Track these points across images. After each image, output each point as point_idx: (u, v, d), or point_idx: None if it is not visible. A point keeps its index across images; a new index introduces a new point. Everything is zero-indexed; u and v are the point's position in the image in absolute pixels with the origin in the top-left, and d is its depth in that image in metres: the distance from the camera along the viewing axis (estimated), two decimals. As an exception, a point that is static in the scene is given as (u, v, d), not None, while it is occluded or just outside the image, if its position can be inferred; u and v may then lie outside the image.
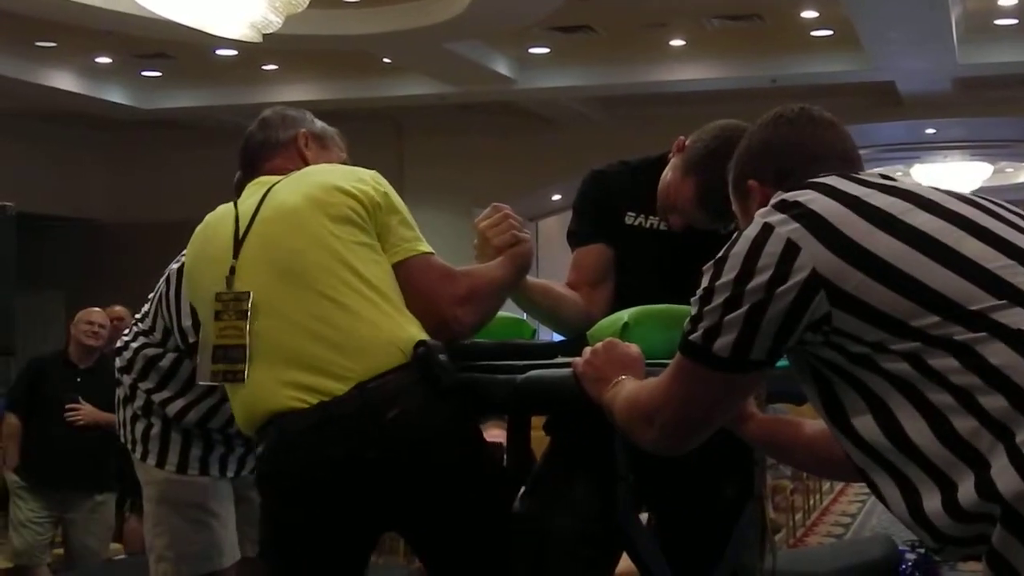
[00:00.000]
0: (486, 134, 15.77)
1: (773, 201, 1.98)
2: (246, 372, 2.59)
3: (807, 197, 1.94)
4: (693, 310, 2.00)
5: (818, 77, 13.22)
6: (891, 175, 2.06)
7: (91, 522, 7.03)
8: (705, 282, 1.98)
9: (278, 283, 2.60)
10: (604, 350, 2.38)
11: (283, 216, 2.67)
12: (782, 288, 1.88)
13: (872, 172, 2.06)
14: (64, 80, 13.30)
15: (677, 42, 12.77)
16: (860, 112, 14.90)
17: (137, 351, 3.87)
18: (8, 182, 13.12)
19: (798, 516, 9.96)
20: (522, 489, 2.82)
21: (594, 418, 2.34)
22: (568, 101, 14.71)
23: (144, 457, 3.91)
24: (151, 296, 3.85)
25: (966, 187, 19.41)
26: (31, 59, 12.74)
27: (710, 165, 2.82)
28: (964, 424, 1.75)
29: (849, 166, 2.09)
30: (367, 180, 2.72)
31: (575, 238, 3.17)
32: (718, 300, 1.94)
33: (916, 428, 1.79)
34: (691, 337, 1.99)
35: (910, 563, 5.59)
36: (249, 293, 2.61)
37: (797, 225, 1.89)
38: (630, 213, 3.09)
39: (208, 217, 2.89)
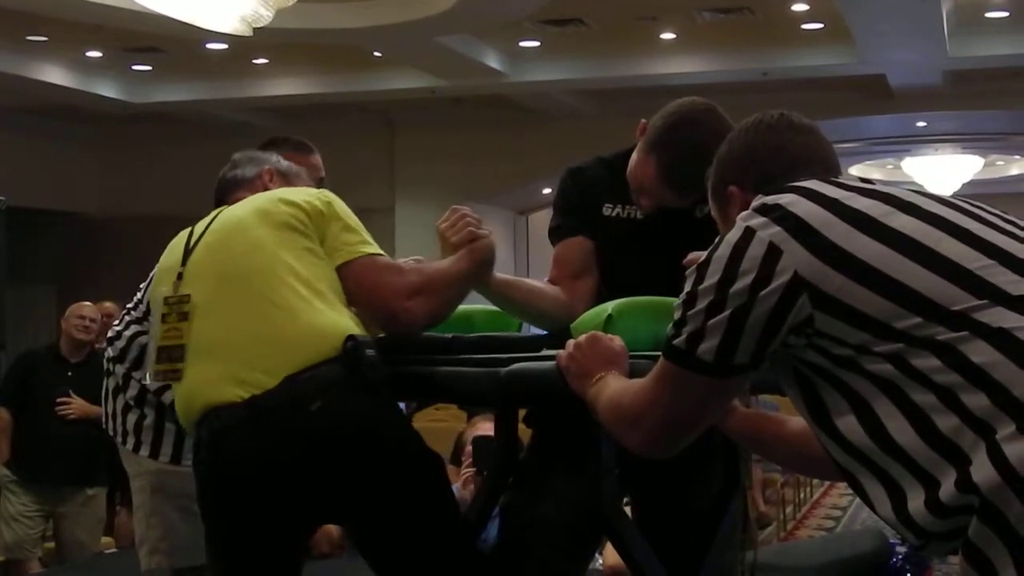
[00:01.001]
0: (477, 128, 15.77)
1: (754, 204, 1.99)
2: (183, 371, 2.69)
3: (787, 200, 1.94)
4: (676, 314, 2.00)
5: (809, 70, 13.24)
6: (870, 179, 2.07)
7: (82, 516, 7.03)
8: (688, 286, 1.99)
9: (219, 286, 2.71)
10: (587, 344, 2.39)
11: (229, 226, 2.80)
12: (765, 291, 1.88)
13: (851, 176, 2.07)
14: (55, 74, 13.28)
15: (668, 35, 12.77)
16: (851, 105, 14.93)
17: (131, 339, 3.88)
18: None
19: (789, 509, 9.99)
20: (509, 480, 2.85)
21: (578, 410, 2.34)
22: (559, 95, 14.71)
23: (136, 448, 3.89)
24: (143, 285, 3.85)
25: (957, 180, 19.45)
26: (22, 53, 12.72)
27: (669, 141, 2.86)
28: (946, 423, 1.75)
29: (830, 172, 2.10)
30: (312, 193, 2.83)
31: (555, 233, 3.18)
32: (701, 304, 1.94)
33: (899, 428, 1.80)
34: (675, 342, 1.99)
35: (900, 556, 5.59)
36: (190, 296, 2.72)
37: (778, 228, 1.90)
38: (608, 205, 3.10)
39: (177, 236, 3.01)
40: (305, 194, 2.82)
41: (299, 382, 2.54)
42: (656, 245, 2.89)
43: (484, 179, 16.02)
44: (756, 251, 1.90)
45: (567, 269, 3.10)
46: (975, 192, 20.19)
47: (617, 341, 2.41)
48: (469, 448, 4.84)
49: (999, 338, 1.76)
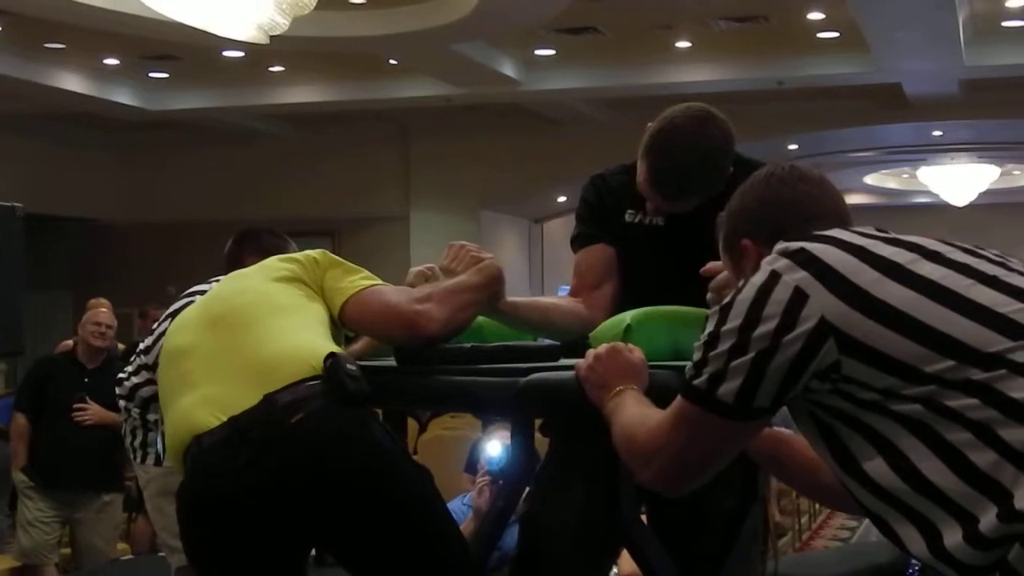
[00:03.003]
0: (492, 135, 15.78)
1: (777, 248, 1.99)
2: (168, 413, 2.71)
3: (812, 245, 1.95)
4: (696, 355, 1.99)
5: (824, 79, 13.22)
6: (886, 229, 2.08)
7: (98, 522, 7.06)
8: (710, 327, 1.98)
9: (207, 329, 2.73)
10: (607, 356, 2.38)
11: (231, 281, 2.93)
12: (789, 336, 1.88)
13: (868, 228, 2.06)
14: (72, 81, 13.32)
15: (683, 44, 12.76)
16: (867, 114, 14.91)
17: (134, 390, 4.26)
18: (16, 182, 13.17)
19: (804, 519, 9.96)
20: (526, 490, 2.85)
21: (596, 420, 2.34)
22: (574, 103, 14.71)
23: (143, 460, 4.17)
24: (155, 328, 4.10)
25: (973, 189, 19.42)
26: (39, 60, 12.76)
27: (656, 146, 2.89)
28: (983, 458, 1.76)
29: (843, 223, 2.10)
30: (309, 252, 2.90)
31: (577, 241, 3.19)
32: (723, 346, 1.94)
33: (932, 467, 1.80)
34: (695, 382, 1.98)
35: (917, 568, 5.59)
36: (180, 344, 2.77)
37: (804, 273, 1.90)
38: (630, 211, 3.11)
39: None
40: (303, 252, 2.90)
41: (278, 399, 2.52)
42: (677, 252, 2.90)
43: (499, 187, 16.03)
44: (781, 295, 1.90)
45: (588, 278, 3.11)
46: (992, 201, 20.18)
47: (637, 353, 2.40)
48: (484, 457, 4.85)
49: None
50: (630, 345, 2.43)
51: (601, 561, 2.87)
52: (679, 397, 2.02)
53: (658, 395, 2.31)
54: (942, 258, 1.93)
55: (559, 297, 3.18)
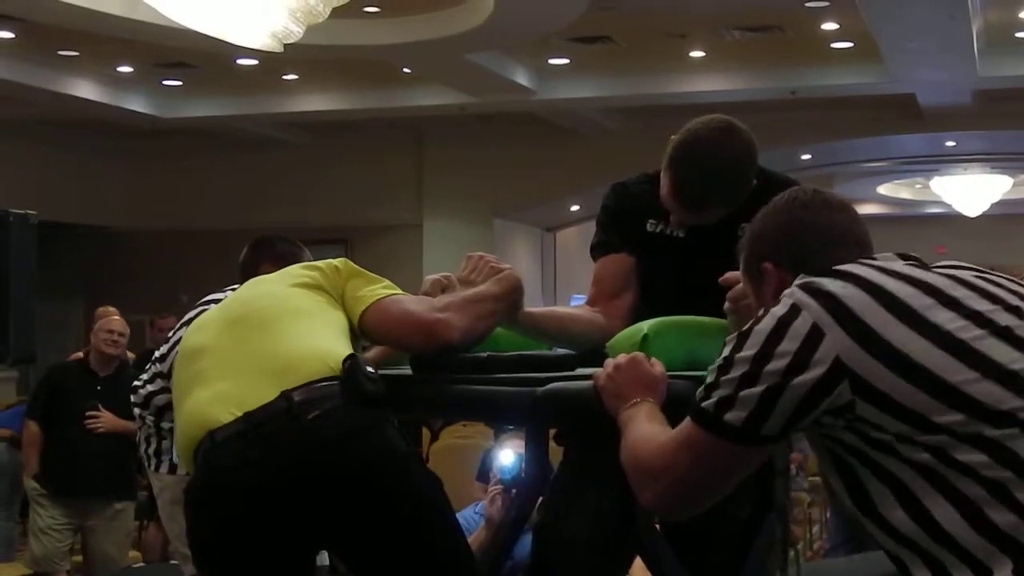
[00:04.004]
0: (505, 144, 15.78)
1: (799, 282, 2.00)
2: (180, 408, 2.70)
3: (832, 283, 1.95)
4: (709, 378, 2.01)
5: (838, 89, 13.21)
6: (911, 255, 2.08)
7: (110, 530, 7.06)
8: (726, 351, 1.99)
9: (225, 330, 2.74)
10: (627, 366, 2.38)
11: (251, 286, 2.94)
12: (801, 375, 1.90)
13: (890, 257, 2.06)
14: (86, 89, 13.35)
15: (697, 53, 12.76)
16: (880, 124, 14.89)
17: (148, 397, 4.29)
18: (30, 190, 13.19)
19: (815, 529, 9.94)
20: (539, 499, 2.84)
21: (612, 429, 2.34)
22: (587, 112, 14.71)
23: (157, 468, 4.19)
24: (171, 336, 4.13)
25: (986, 199, 19.38)
26: (54, 68, 12.79)
27: (678, 158, 2.89)
28: (1002, 517, 1.78)
29: (864, 250, 2.11)
30: (331, 260, 2.90)
31: (597, 250, 3.18)
32: (736, 373, 1.95)
33: (948, 517, 1.82)
34: (703, 404, 1.99)
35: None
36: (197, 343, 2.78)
37: (823, 311, 1.91)
38: (651, 221, 3.10)
39: None
40: (324, 261, 2.90)
41: (295, 397, 2.51)
42: (697, 264, 2.89)
43: (512, 195, 16.03)
44: (799, 330, 1.91)
45: (607, 286, 3.10)
46: (1004, 212, 20.13)
47: (658, 367, 2.40)
48: (497, 466, 4.84)
49: None
50: (653, 359, 2.43)
51: (615, 571, 2.86)
52: (687, 419, 2.03)
53: (674, 405, 2.31)
54: (959, 306, 1.94)
55: (576, 307, 3.18)
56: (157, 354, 4.43)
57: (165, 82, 13.92)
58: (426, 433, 7.87)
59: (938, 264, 2.08)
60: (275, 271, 3.04)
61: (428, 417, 6.70)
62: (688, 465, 2.03)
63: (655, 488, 2.09)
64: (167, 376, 4.07)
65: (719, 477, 2.05)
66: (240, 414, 2.52)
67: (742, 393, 1.93)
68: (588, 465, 2.74)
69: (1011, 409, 1.82)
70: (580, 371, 2.70)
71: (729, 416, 1.95)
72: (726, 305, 2.54)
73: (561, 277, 18.01)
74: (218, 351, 2.68)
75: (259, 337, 2.65)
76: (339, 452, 2.51)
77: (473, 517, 4.90)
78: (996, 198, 19.54)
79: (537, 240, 18.03)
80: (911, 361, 1.86)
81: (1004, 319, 1.93)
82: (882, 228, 14.22)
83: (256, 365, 2.60)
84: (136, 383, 4.48)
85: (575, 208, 16.99)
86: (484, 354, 2.80)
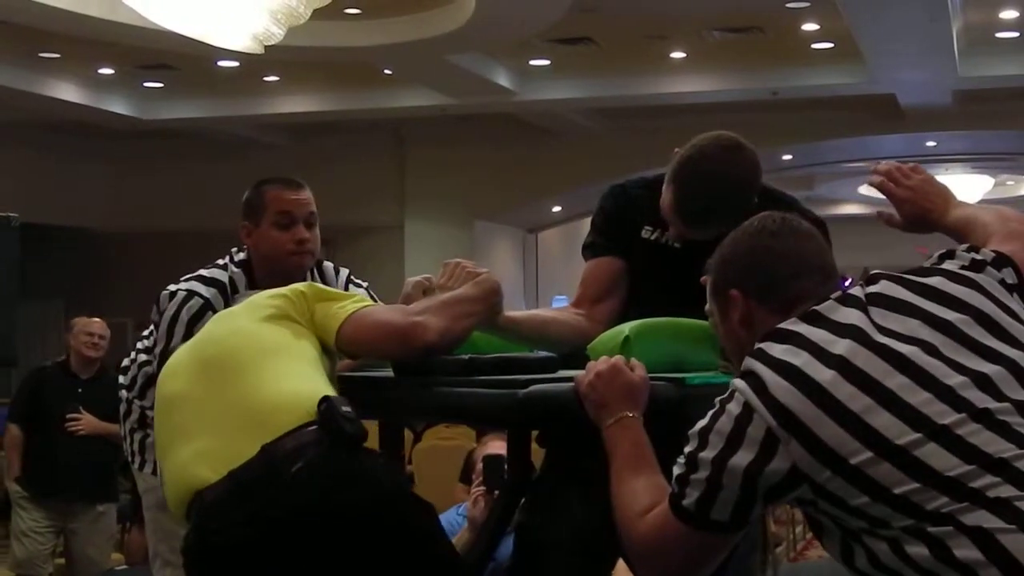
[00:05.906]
0: (487, 146, 15.78)
1: (746, 365, 2.04)
2: (165, 464, 2.69)
3: (777, 386, 1.98)
4: (676, 470, 2.08)
5: (819, 90, 13.25)
6: (887, 276, 2.12)
7: (93, 532, 7.05)
8: (689, 447, 2.06)
9: (199, 375, 2.70)
10: (608, 375, 2.37)
11: (221, 322, 2.88)
12: (762, 478, 1.98)
13: (856, 306, 2.08)
14: (67, 91, 13.31)
15: (678, 54, 12.78)
16: (861, 125, 14.93)
17: (140, 367, 4.14)
18: (11, 192, 13.14)
19: (798, 529, 9.95)
20: (522, 501, 2.84)
21: (592, 431, 2.34)
22: (569, 113, 14.72)
23: (142, 467, 4.13)
24: (154, 317, 4.04)
25: (967, 200, 19.42)
26: (34, 70, 12.76)
27: (683, 173, 2.88)
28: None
29: (829, 279, 2.16)
30: (295, 285, 2.86)
31: (588, 250, 3.17)
32: (701, 475, 2.03)
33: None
34: (684, 503, 2.06)
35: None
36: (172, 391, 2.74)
37: (774, 420, 1.96)
38: (647, 227, 3.10)
39: None
40: (289, 287, 2.86)
41: (275, 449, 2.49)
42: (689, 276, 2.89)
43: (493, 197, 16.03)
44: (755, 434, 1.98)
45: (592, 290, 3.10)
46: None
47: (639, 371, 2.40)
48: (480, 467, 4.84)
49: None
50: (633, 361, 2.43)
51: (597, 572, 2.87)
52: (668, 510, 2.11)
53: (656, 408, 2.34)
54: (913, 369, 1.96)
55: (559, 309, 3.17)
56: (144, 333, 4.32)
57: (146, 84, 13.90)
58: (408, 435, 7.85)
59: (872, 277, 2.14)
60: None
61: (411, 420, 6.69)
62: (668, 551, 2.12)
63: (644, 568, 2.22)
64: (148, 351, 4.05)
65: (691, 562, 2.13)
66: (225, 472, 2.51)
67: (708, 491, 2.02)
68: (570, 467, 2.74)
69: (947, 510, 1.86)
70: (562, 373, 2.71)
71: (687, 502, 2.05)
72: (707, 307, 2.55)
73: (543, 278, 18.02)
74: (194, 402, 2.66)
75: (234, 384, 2.63)
76: (326, 501, 2.49)
77: (456, 519, 4.90)
78: (977, 198, 19.59)
79: (519, 241, 18.03)
80: (858, 471, 1.91)
81: (974, 397, 1.95)
82: (863, 229, 14.26)
83: (235, 418, 2.57)
84: (124, 363, 4.38)
85: (557, 209, 17.00)
86: (466, 356, 2.80)
